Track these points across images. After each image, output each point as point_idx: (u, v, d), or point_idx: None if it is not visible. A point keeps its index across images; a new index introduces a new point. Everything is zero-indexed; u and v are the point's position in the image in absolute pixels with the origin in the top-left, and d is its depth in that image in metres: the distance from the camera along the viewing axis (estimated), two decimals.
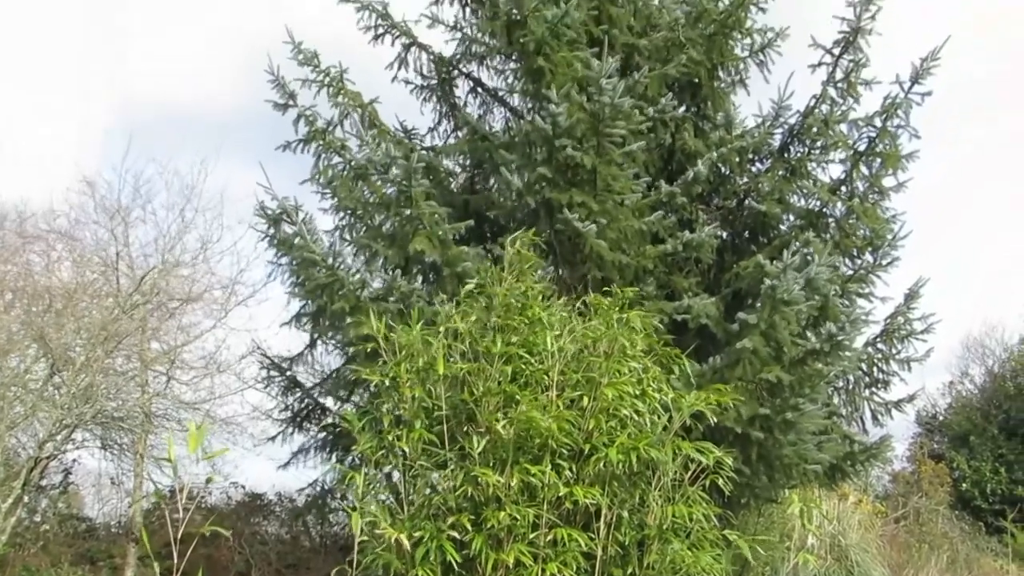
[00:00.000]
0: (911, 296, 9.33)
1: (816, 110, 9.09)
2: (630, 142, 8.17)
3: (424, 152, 9.61)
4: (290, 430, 10.25)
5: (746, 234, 9.46)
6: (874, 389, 9.35)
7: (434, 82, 9.81)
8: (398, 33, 9.58)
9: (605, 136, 7.94)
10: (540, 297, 6.92)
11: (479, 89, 9.86)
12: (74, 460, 11.63)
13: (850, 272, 9.08)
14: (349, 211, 8.92)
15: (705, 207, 9.40)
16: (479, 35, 9.18)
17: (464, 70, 9.81)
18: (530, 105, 8.82)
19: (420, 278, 8.31)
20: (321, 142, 8.98)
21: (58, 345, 9.21)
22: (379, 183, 8.41)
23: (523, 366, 6.70)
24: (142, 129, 26.28)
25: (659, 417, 6.75)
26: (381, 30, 9.51)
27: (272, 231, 8.42)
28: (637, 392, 6.77)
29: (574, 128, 7.91)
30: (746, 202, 9.20)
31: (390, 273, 7.90)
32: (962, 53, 8.63)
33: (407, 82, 9.77)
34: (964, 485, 18.06)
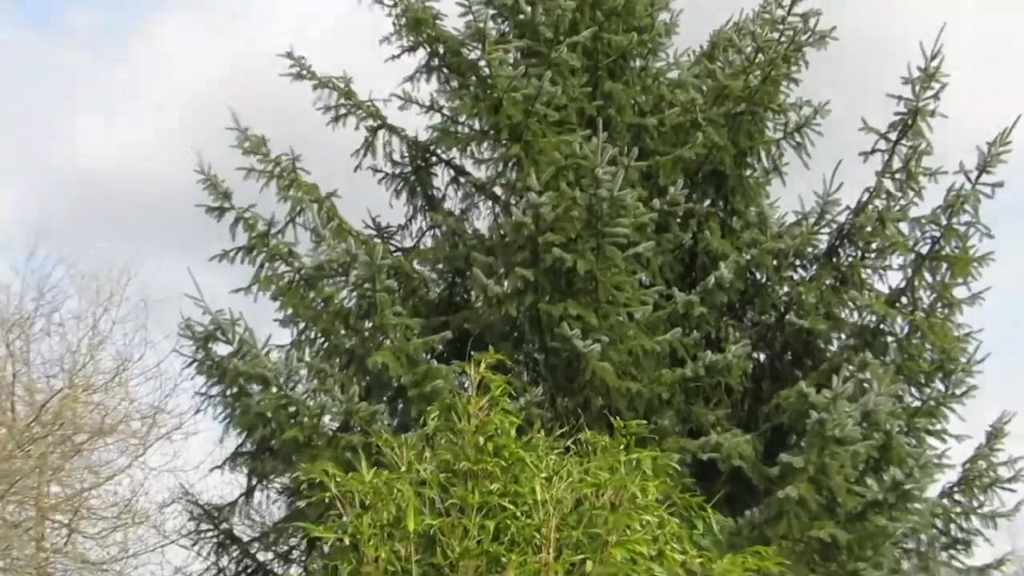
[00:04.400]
0: (994, 435, 9.13)
1: (869, 206, 9.17)
2: (637, 242, 8.26)
3: (397, 255, 9.72)
4: None
5: (787, 356, 9.39)
6: (953, 551, 9.07)
7: (407, 170, 9.97)
8: (364, 114, 9.77)
9: (605, 236, 8.02)
10: (516, 432, 6.72)
11: (461, 179, 10.02)
12: None
13: (917, 403, 8.96)
14: (301, 324, 8.86)
15: (736, 323, 9.40)
16: (460, 116, 9.37)
17: (443, 156, 10.00)
18: (514, 201, 8.98)
19: (386, 404, 8.31)
20: (264, 249, 9.00)
21: None
22: (335, 290, 8.37)
23: (507, 521, 6.43)
24: (61, 218, 26.47)
25: None
26: (344, 111, 9.70)
27: (201, 354, 8.38)
28: (653, 552, 6.47)
29: (563, 224, 8.03)
30: (787, 317, 9.18)
31: (351, 397, 7.91)
32: None
33: (375, 169, 9.91)
34: None
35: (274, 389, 7.85)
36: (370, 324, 8.03)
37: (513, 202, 8.95)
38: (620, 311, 8.35)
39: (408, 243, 10.08)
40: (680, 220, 9.23)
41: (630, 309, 8.40)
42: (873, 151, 9.10)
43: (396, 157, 9.95)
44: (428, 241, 10.11)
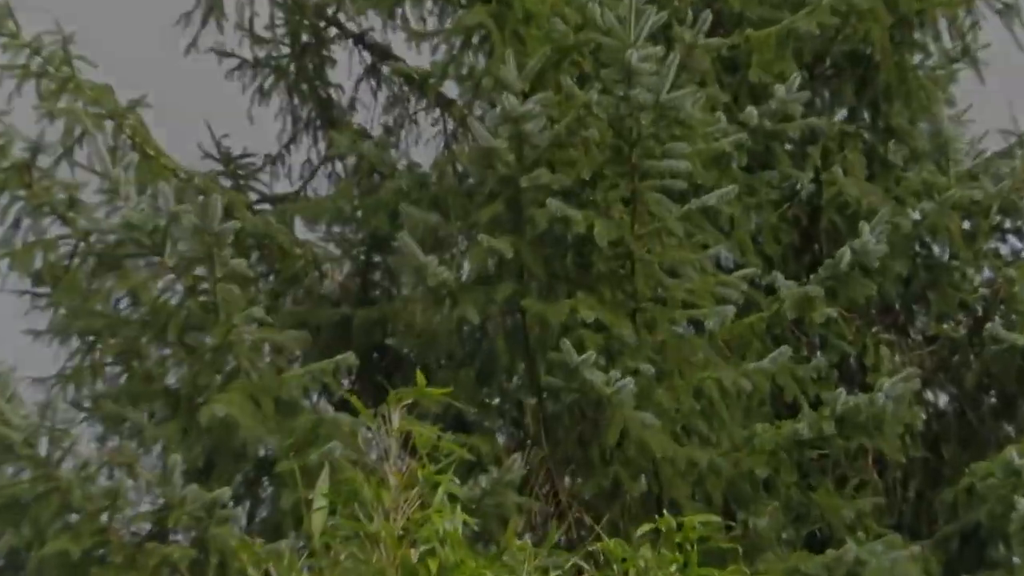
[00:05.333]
0: None
1: None
2: (709, 187, 8.34)
3: (262, 209, 9.85)
4: None
5: (988, 398, 9.58)
6: None
7: (283, 52, 10.18)
8: None
9: (646, 177, 8.11)
10: (479, 537, 6.76)
11: (382, 69, 10.25)
12: None
13: None
14: (86, 341, 8.84)
15: (895, 337, 9.56)
16: None
17: (350, 27, 10.17)
18: (480, 110, 9.05)
19: (241, 486, 8.51)
20: (21, 192, 8.84)
21: None
22: (149, 276, 8.38)
23: None
24: None
25: None
26: None
27: None
28: None
29: (568, 154, 8.13)
30: (987, 327, 9.31)
31: (171, 476, 7.81)
32: None
33: (222, 52, 10.07)
34: None
35: (26, 463, 7.77)
36: (209, 341, 8.03)
37: (479, 112, 9.03)
38: (677, 316, 8.43)
39: (284, 188, 10.29)
40: (792, 146, 9.36)
41: (695, 311, 8.47)
42: None
43: (263, 28, 10.10)
44: (322, 185, 10.28)
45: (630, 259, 8.25)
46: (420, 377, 6.77)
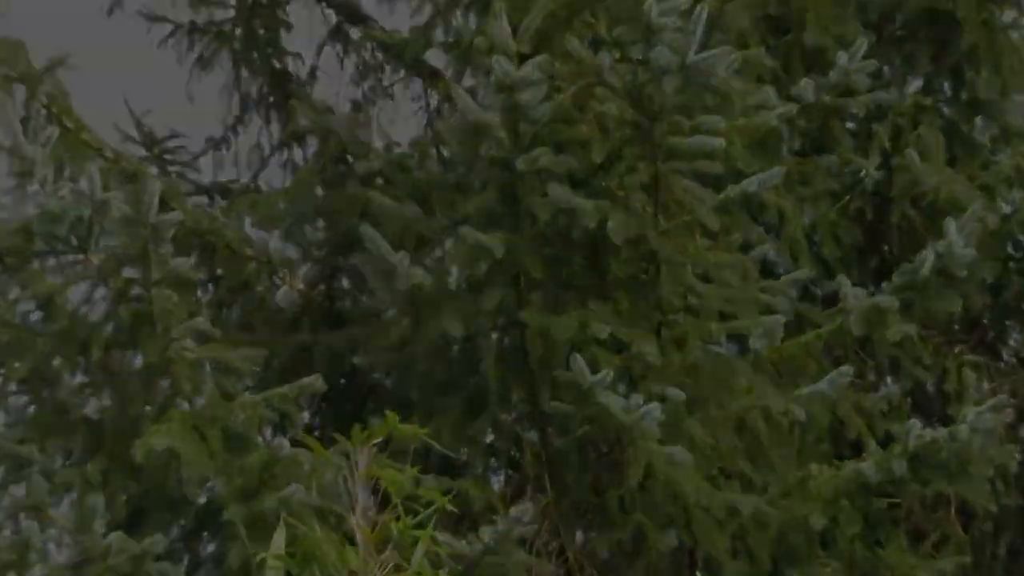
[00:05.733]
0: None
1: None
2: (749, 172, 8.42)
3: (198, 201, 9.98)
4: None
5: None
6: None
7: (227, 14, 10.38)
8: None
9: (672, 157, 8.21)
10: None
11: (351, 33, 10.46)
12: None
13: None
14: None
15: (983, 357, 9.71)
16: None
17: None
18: (471, 80, 9.19)
19: (179, 541, 8.61)
20: None
21: None
22: (65, 281, 8.46)
23: None
24: None
25: None
26: None
27: None
28: None
29: (574, 131, 8.24)
30: None
31: (89, 523, 7.94)
32: None
33: (150, 17, 10.24)
34: None
35: None
36: (139, 361, 8.10)
37: (468, 84, 9.13)
38: (713, 331, 8.53)
39: (228, 177, 10.49)
40: (856, 125, 9.56)
41: (736, 325, 8.60)
42: None
43: None
44: (275, 176, 10.47)
45: (653, 260, 8.35)
46: (391, 415, 7.00)
